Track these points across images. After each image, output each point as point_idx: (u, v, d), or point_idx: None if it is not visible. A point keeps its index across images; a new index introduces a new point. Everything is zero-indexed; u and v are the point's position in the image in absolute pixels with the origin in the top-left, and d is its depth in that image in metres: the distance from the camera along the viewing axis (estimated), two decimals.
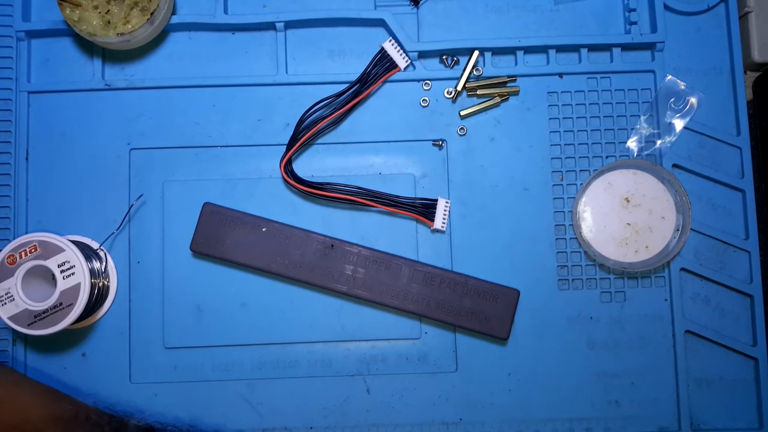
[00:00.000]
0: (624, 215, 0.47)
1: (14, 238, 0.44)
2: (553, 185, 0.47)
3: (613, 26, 0.49)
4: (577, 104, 0.48)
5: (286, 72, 0.48)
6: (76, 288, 0.42)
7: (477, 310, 0.45)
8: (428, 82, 0.48)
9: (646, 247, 0.46)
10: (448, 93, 0.48)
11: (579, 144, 0.48)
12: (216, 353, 0.46)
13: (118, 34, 0.44)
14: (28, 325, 0.41)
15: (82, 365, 0.47)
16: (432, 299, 0.45)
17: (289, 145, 0.46)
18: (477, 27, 0.48)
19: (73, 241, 0.42)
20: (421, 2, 0.49)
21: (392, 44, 0.47)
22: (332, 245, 0.45)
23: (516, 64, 0.48)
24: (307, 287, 0.46)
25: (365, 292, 0.45)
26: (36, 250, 0.42)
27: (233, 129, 0.48)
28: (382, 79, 0.47)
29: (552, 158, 0.48)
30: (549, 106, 0.48)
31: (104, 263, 0.46)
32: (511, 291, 0.45)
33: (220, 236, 0.45)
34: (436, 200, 0.46)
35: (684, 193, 0.46)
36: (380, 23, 0.48)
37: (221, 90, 0.48)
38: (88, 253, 0.44)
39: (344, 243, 0.45)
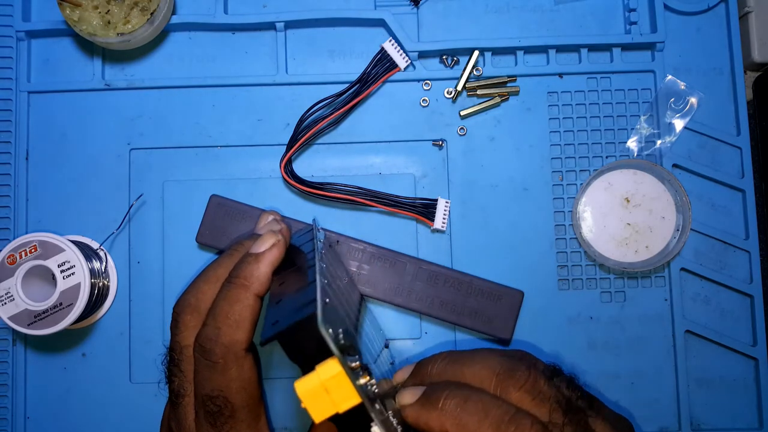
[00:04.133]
0: (624, 215, 0.47)
1: (14, 238, 0.44)
2: (553, 185, 0.48)
3: (613, 26, 0.49)
4: (577, 104, 0.48)
5: (286, 72, 0.48)
6: (76, 288, 0.42)
7: (480, 310, 0.45)
8: (428, 82, 0.48)
9: (646, 247, 0.46)
10: (448, 93, 0.48)
11: (579, 144, 0.48)
12: None
13: (118, 34, 0.44)
14: (28, 325, 0.41)
15: (82, 365, 0.47)
16: (436, 298, 0.45)
17: (289, 145, 0.46)
18: (477, 27, 0.48)
19: (73, 241, 0.43)
20: (421, 2, 0.49)
21: (392, 44, 0.47)
22: (338, 241, 0.45)
23: (516, 64, 0.48)
24: None
25: (369, 288, 0.45)
26: (36, 250, 0.42)
27: (233, 129, 0.48)
28: (382, 79, 0.47)
29: (552, 158, 0.48)
30: (549, 106, 0.48)
31: (104, 263, 0.46)
32: (515, 292, 0.45)
33: (226, 229, 0.45)
34: (436, 200, 0.46)
35: (684, 193, 0.46)
36: (380, 23, 0.48)
37: (221, 90, 0.48)
38: (88, 253, 0.44)
39: (350, 239, 0.45)
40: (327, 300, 0.31)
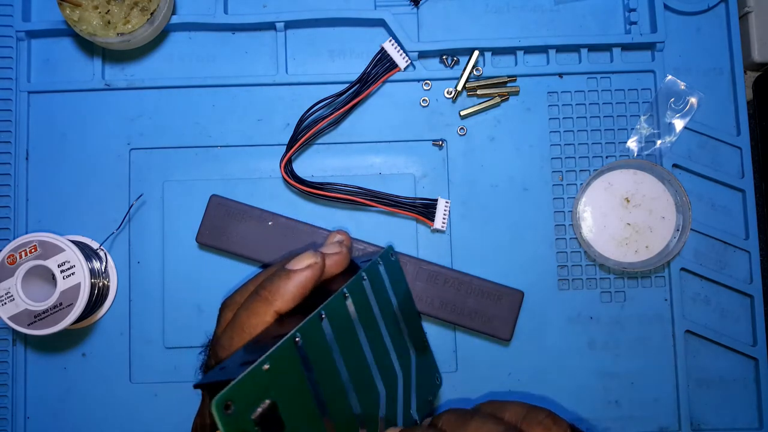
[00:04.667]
0: (624, 215, 0.47)
1: (14, 238, 0.44)
2: (553, 185, 0.48)
3: (613, 26, 0.49)
4: (577, 104, 0.48)
5: (286, 72, 0.48)
6: (76, 288, 0.42)
7: (480, 310, 0.45)
8: (428, 82, 0.48)
9: (646, 247, 0.46)
10: (448, 93, 0.48)
11: (579, 144, 0.48)
12: None
13: (118, 34, 0.44)
14: (28, 325, 0.41)
15: (82, 365, 0.47)
16: (436, 298, 0.45)
17: (289, 145, 0.46)
18: (477, 27, 0.48)
19: (73, 241, 0.42)
20: (421, 2, 0.49)
21: (392, 44, 0.47)
22: None
23: (516, 64, 0.48)
24: None
25: None
26: (36, 250, 0.42)
27: (233, 129, 0.48)
28: (382, 79, 0.47)
29: (552, 158, 0.48)
30: (549, 106, 0.48)
31: (104, 263, 0.46)
32: (515, 292, 0.45)
33: (226, 229, 0.45)
34: (436, 200, 0.46)
35: (684, 193, 0.46)
36: (380, 23, 0.48)
37: (221, 90, 0.48)
38: (88, 253, 0.44)
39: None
40: (266, 366, 0.28)
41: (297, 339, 0.30)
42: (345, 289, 0.35)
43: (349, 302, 0.35)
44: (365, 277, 0.37)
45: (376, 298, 0.37)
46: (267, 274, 0.37)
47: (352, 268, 0.38)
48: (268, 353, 0.28)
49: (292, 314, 0.34)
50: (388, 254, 0.40)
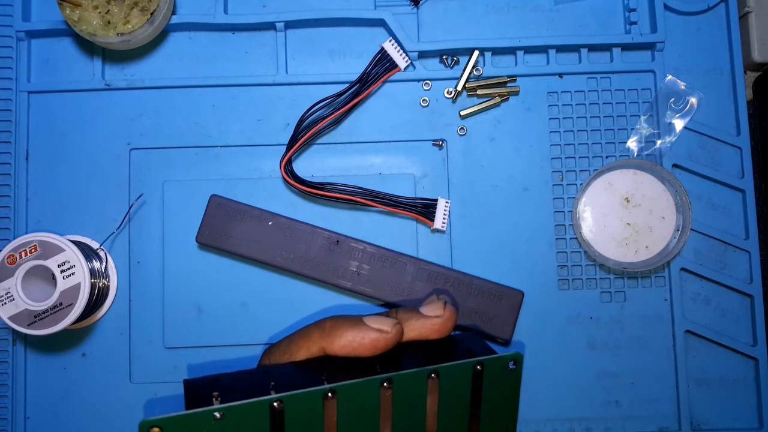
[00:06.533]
0: (624, 215, 0.47)
1: (14, 238, 0.44)
2: (553, 185, 0.48)
3: (613, 26, 0.49)
4: (577, 104, 0.48)
5: (286, 72, 0.48)
6: (76, 288, 0.42)
7: (480, 310, 0.45)
8: (428, 82, 0.48)
9: (646, 247, 0.46)
10: (448, 93, 0.48)
11: (579, 144, 0.48)
12: (216, 353, 0.46)
13: (118, 34, 0.44)
14: (28, 325, 0.41)
15: (82, 365, 0.47)
16: None
17: (289, 145, 0.46)
18: (477, 27, 0.48)
19: (73, 241, 0.42)
20: (421, 2, 0.49)
21: (392, 44, 0.47)
22: (338, 241, 0.45)
23: (516, 64, 0.48)
24: (311, 282, 0.46)
25: (369, 288, 0.45)
26: (36, 250, 0.42)
27: (233, 129, 0.48)
28: (382, 79, 0.47)
29: (552, 158, 0.48)
30: (549, 106, 0.48)
31: (104, 263, 0.46)
32: (516, 292, 0.45)
33: (226, 229, 0.45)
34: (436, 200, 0.46)
35: (684, 193, 0.46)
36: (380, 23, 0.48)
37: (221, 90, 0.48)
38: (88, 253, 0.44)
39: (350, 239, 0.45)
40: (218, 415, 0.27)
41: (275, 404, 0.28)
42: (388, 378, 0.30)
43: (388, 392, 0.31)
44: (434, 376, 0.31)
45: (440, 401, 0.32)
46: (369, 319, 0.33)
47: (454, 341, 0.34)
48: (229, 405, 0.28)
49: (341, 363, 0.32)
50: (506, 361, 0.33)
